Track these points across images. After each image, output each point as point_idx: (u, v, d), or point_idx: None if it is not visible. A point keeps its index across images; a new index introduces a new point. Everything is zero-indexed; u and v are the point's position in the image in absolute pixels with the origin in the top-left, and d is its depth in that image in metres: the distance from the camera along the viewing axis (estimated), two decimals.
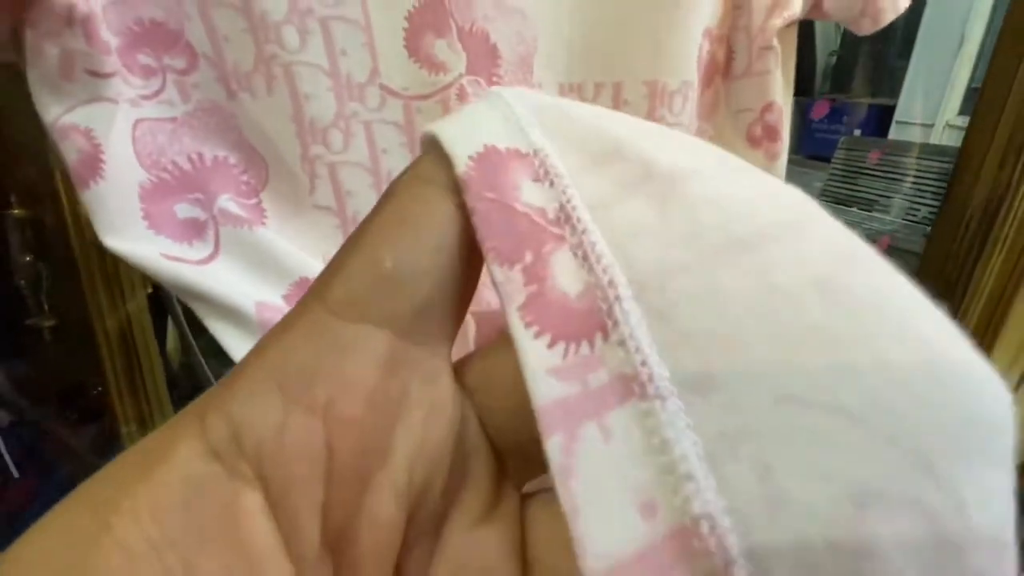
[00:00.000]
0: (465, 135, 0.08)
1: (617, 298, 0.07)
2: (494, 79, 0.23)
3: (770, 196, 0.08)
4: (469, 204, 0.08)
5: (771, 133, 0.28)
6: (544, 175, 0.08)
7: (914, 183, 2.07)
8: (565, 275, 0.07)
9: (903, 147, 2.19)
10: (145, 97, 0.20)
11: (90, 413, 0.67)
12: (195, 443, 0.07)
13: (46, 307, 0.67)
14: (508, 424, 0.09)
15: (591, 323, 0.07)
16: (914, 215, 2.01)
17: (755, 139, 0.29)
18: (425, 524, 0.08)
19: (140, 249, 0.21)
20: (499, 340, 0.09)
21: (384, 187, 0.23)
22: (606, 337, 0.07)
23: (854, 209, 2.19)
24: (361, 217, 0.24)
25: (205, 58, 0.20)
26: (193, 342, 0.70)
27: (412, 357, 0.08)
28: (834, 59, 3.29)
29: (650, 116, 0.25)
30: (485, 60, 0.22)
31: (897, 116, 2.77)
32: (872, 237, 1.97)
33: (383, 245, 0.08)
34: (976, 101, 0.40)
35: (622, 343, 0.07)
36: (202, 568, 0.07)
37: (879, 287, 0.07)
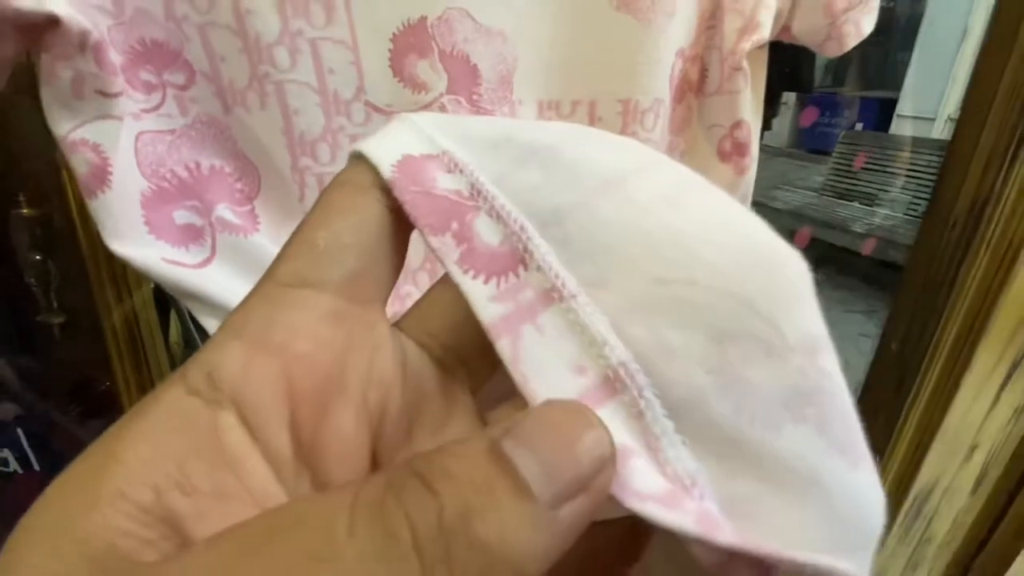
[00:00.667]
0: (385, 149, 0.11)
1: (528, 238, 0.10)
2: (474, 97, 0.23)
3: (629, 150, 0.11)
4: (399, 198, 0.10)
5: (740, 149, 0.29)
6: (454, 167, 0.10)
7: (914, 178, 2.07)
8: (486, 232, 0.10)
9: (904, 142, 2.19)
10: (146, 111, 0.22)
11: (97, 407, 0.69)
12: (177, 388, 0.09)
13: (55, 304, 0.69)
14: (452, 345, 0.11)
15: (513, 260, 0.10)
16: (915, 210, 2.01)
17: (725, 153, 0.30)
18: (393, 438, 0.10)
19: (142, 253, 0.22)
20: (430, 294, 0.12)
21: None
22: (526, 267, 0.10)
23: (855, 203, 2.19)
24: None
25: (203, 75, 0.21)
26: (196, 335, 0.72)
27: (350, 312, 0.10)
28: None
29: (624, 131, 0.26)
30: (465, 80, 0.23)
31: (898, 110, 2.76)
32: (872, 231, 1.98)
33: (316, 229, 0.10)
34: (962, 104, 0.40)
35: (539, 268, 0.10)
36: (192, 469, 0.08)
37: (710, 200, 0.10)
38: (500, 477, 0.07)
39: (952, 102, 2.30)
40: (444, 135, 0.11)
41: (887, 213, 1.97)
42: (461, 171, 0.10)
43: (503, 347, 0.09)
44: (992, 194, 0.38)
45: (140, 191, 0.22)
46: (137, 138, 0.22)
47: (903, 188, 2.00)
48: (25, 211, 0.64)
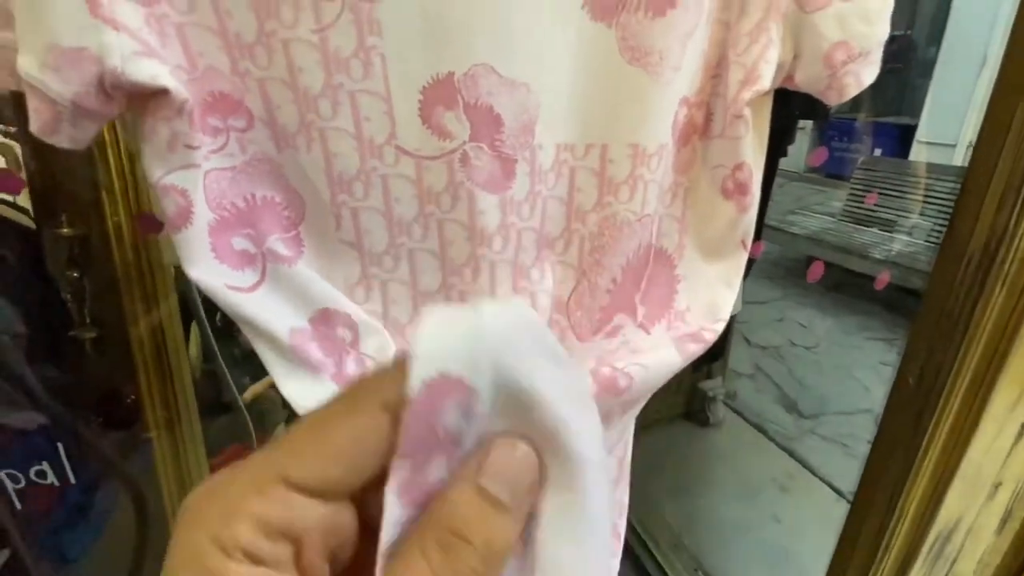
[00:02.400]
0: (429, 354, 0.11)
1: None
2: (496, 143, 0.26)
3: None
4: (405, 419, 0.11)
5: (741, 188, 0.30)
6: (470, 410, 0.12)
7: (935, 204, 2.04)
8: (438, 472, 0.12)
9: (923, 169, 2.17)
10: (213, 152, 0.24)
11: (122, 420, 0.71)
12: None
13: (88, 319, 0.71)
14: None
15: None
16: (936, 237, 1.99)
17: (728, 192, 0.31)
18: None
19: (210, 278, 0.25)
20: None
21: (394, 228, 0.27)
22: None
23: (873, 229, 2.17)
24: (376, 252, 0.28)
25: (260, 120, 0.24)
26: (216, 350, 0.74)
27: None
28: None
29: (631, 172, 0.28)
30: (488, 128, 0.25)
31: (918, 136, 2.75)
32: (891, 258, 1.95)
33: (329, 440, 0.12)
34: (975, 142, 0.41)
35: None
36: None
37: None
38: (487, 504, 0.12)
39: (973, 128, 2.28)
40: (487, 357, 0.12)
41: (908, 240, 1.95)
42: (472, 417, 0.12)
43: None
44: (1007, 232, 0.38)
45: (208, 222, 0.24)
46: (206, 175, 0.24)
47: (923, 215, 1.98)
48: (65, 230, 0.67)
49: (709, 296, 0.33)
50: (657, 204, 0.30)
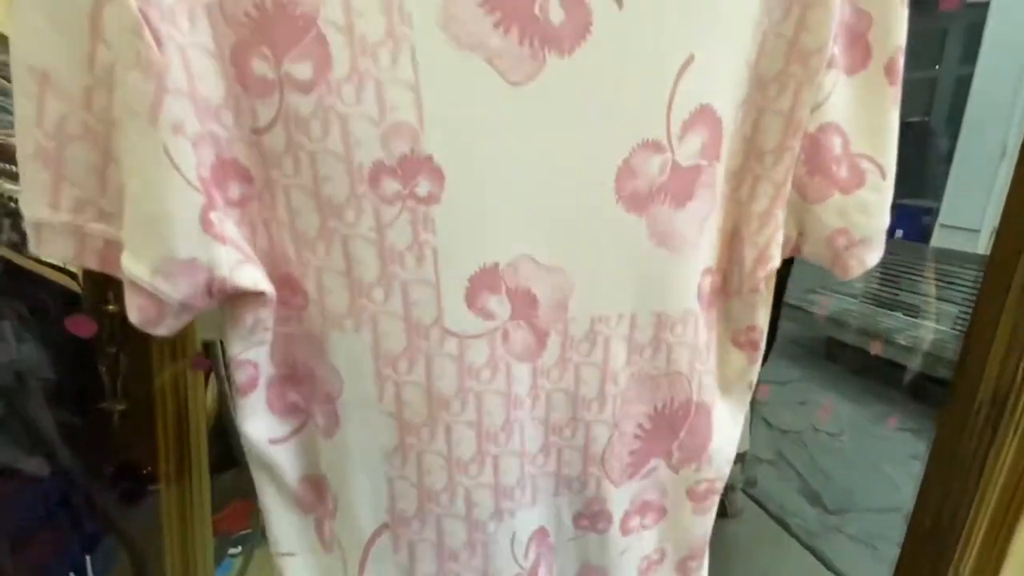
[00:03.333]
0: None
1: None
2: (533, 320, 0.28)
3: None
4: None
5: (753, 344, 0.33)
6: None
7: (960, 291, 2.02)
8: None
9: (946, 255, 2.16)
10: (276, 322, 0.27)
11: (134, 491, 0.73)
12: None
13: (119, 393, 0.75)
14: None
15: None
16: (961, 325, 1.95)
17: (739, 343, 0.34)
18: None
19: (257, 432, 0.28)
20: None
21: (434, 403, 0.28)
22: None
23: (898, 314, 2.14)
24: (415, 423, 0.29)
25: (312, 302, 0.27)
26: (232, 407, 0.77)
27: None
28: None
29: (655, 336, 0.31)
30: (526, 308, 0.28)
31: (941, 219, 2.75)
32: (917, 344, 1.91)
33: None
34: (976, 299, 0.42)
35: None
36: None
37: None
38: None
39: (995, 216, 2.28)
40: None
41: (934, 327, 1.91)
42: None
43: None
44: (1014, 384, 0.39)
45: (268, 378, 0.28)
46: (273, 341, 0.27)
47: (948, 301, 1.95)
48: (111, 307, 0.72)
49: (721, 435, 0.35)
50: (691, 363, 0.32)
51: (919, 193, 2.81)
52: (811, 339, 2.23)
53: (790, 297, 2.17)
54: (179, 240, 0.22)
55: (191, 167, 0.22)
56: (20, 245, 0.70)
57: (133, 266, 0.22)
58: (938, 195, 2.63)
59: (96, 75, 0.21)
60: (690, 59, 0.26)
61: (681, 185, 0.28)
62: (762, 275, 0.31)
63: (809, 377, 2.02)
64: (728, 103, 0.28)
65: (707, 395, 0.33)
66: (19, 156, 0.22)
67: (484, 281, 0.27)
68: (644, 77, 0.26)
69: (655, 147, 0.27)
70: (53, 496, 0.70)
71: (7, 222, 0.63)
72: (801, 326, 2.19)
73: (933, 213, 2.67)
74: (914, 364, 1.79)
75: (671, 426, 0.33)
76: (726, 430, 0.35)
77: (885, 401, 1.84)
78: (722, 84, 0.27)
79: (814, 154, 0.29)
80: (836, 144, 0.29)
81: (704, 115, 0.27)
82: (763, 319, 0.32)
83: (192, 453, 0.69)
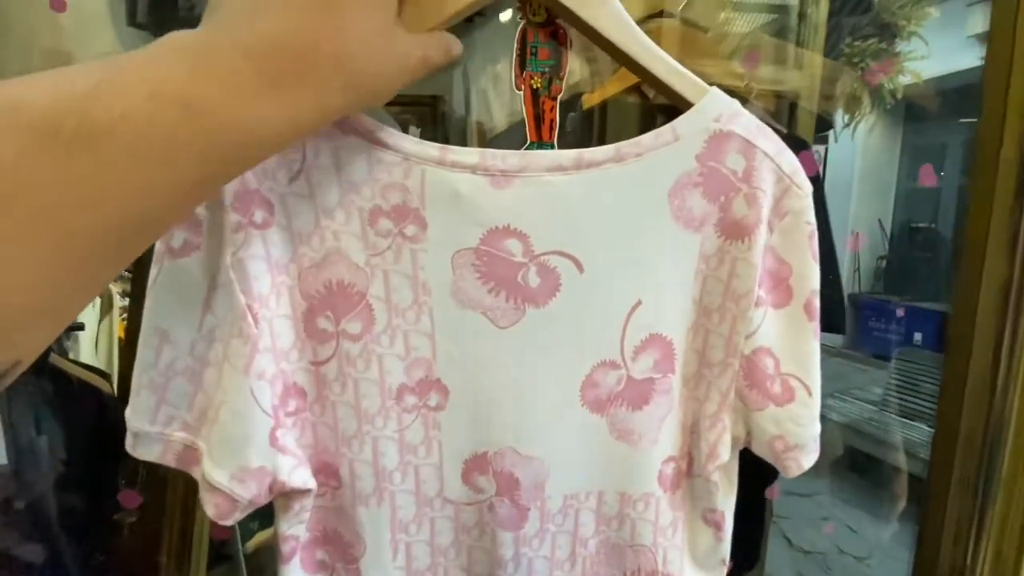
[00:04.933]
0: None
1: None
2: (515, 497, 0.34)
3: None
4: None
5: (717, 524, 0.38)
6: None
7: None
8: None
9: None
10: (316, 499, 0.35)
11: None
12: None
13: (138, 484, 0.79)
14: None
15: None
16: None
17: (706, 521, 0.38)
18: None
19: None
20: None
21: (436, 553, 0.35)
22: None
23: (920, 425, 2.08)
24: (421, 570, 0.38)
25: (345, 484, 0.34)
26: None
27: None
28: (883, 263, 3.40)
29: (620, 511, 0.36)
30: (509, 487, 0.34)
31: None
32: None
33: None
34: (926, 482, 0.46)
35: None
36: None
37: None
38: None
39: None
40: None
41: None
42: None
43: None
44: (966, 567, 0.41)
45: (303, 541, 0.35)
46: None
47: None
48: None
49: None
50: (655, 537, 0.37)
51: (936, 297, 2.82)
52: (833, 448, 2.16)
53: None
54: (252, 453, 0.30)
55: (267, 400, 0.30)
56: (56, 350, 0.77)
57: (214, 473, 0.29)
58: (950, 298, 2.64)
59: (201, 333, 0.30)
60: (638, 303, 0.34)
61: (636, 393, 0.35)
62: (712, 468, 0.36)
63: (832, 491, 1.95)
64: (677, 328, 0.35)
65: (673, 568, 0.37)
66: (134, 386, 0.30)
67: (475, 464, 0.34)
68: (601, 318, 0.33)
69: (612, 365, 0.34)
70: None
71: None
72: (823, 434, 2.14)
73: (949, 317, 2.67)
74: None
75: None
76: None
77: (913, 520, 1.75)
78: (669, 317, 0.35)
79: (751, 372, 0.35)
80: (769, 365, 0.35)
81: (653, 340, 0.34)
82: (723, 504, 0.37)
83: (193, 561, 0.73)
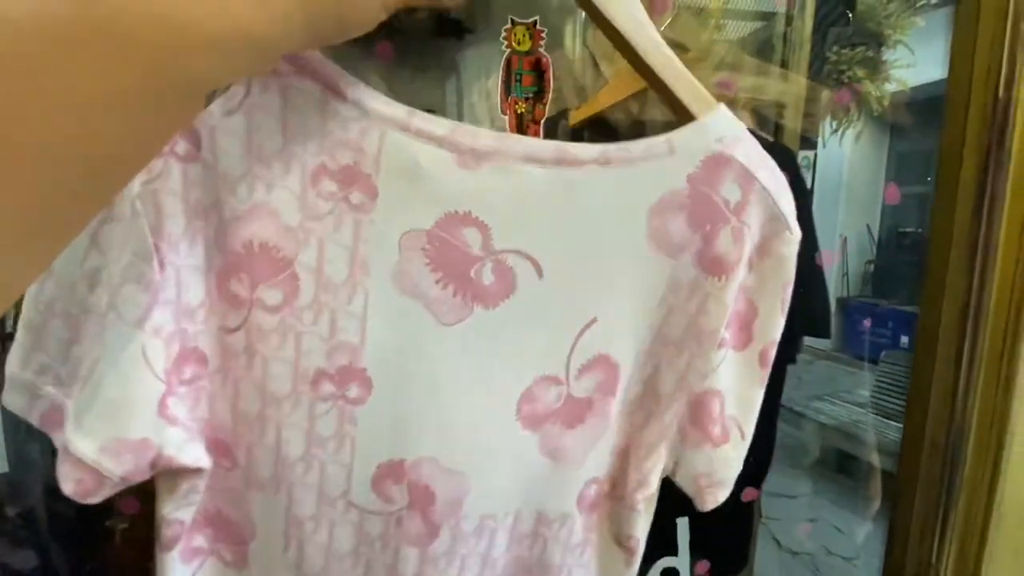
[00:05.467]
0: None
1: None
2: (427, 513, 0.31)
3: None
4: None
5: (631, 550, 0.37)
6: None
7: None
8: None
9: None
10: (207, 484, 0.31)
11: None
12: None
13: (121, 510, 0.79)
14: None
15: None
16: None
17: (621, 543, 0.38)
18: None
19: None
20: None
21: (331, 560, 0.31)
22: None
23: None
24: (314, 574, 0.32)
25: (239, 466, 0.30)
26: None
27: None
28: (871, 267, 3.43)
29: (534, 530, 0.35)
30: (423, 501, 0.31)
31: None
32: None
33: None
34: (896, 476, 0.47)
35: None
36: None
37: None
38: None
39: None
40: None
41: None
42: None
43: None
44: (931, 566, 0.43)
45: (187, 525, 0.32)
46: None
47: None
48: None
49: None
50: (563, 557, 0.36)
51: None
52: (821, 449, 2.19)
53: (796, 404, 2.16)
54: (134, 422, 0.25)
55: (160, 362, 0.26)
56: None
57: (80, 442, 0.24)
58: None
59: (83, 272, 0.25)
60: (593, 320, 0.31)
61: (573, 412, 0.33)
62: (640, 498, 0.35)
63: (820, 492, 1.97)
64: (627, 352, 0.33)
65: None
66: (19, 323, 0.26)
67: (389, 471, 0.31)
68: (552, 330, 0.31)
69: (554, 380, 0.32)
70: None
71: None
72: (810, 436, 2.16)
73: None
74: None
75: None
76: None
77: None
78: (622, 340, 0.32)
79: (697, 411, 0.34)
80: (716, 407, 0.34)
81: (601, 361, 0.32)
82: (640, 531, 0.37)
83: None
